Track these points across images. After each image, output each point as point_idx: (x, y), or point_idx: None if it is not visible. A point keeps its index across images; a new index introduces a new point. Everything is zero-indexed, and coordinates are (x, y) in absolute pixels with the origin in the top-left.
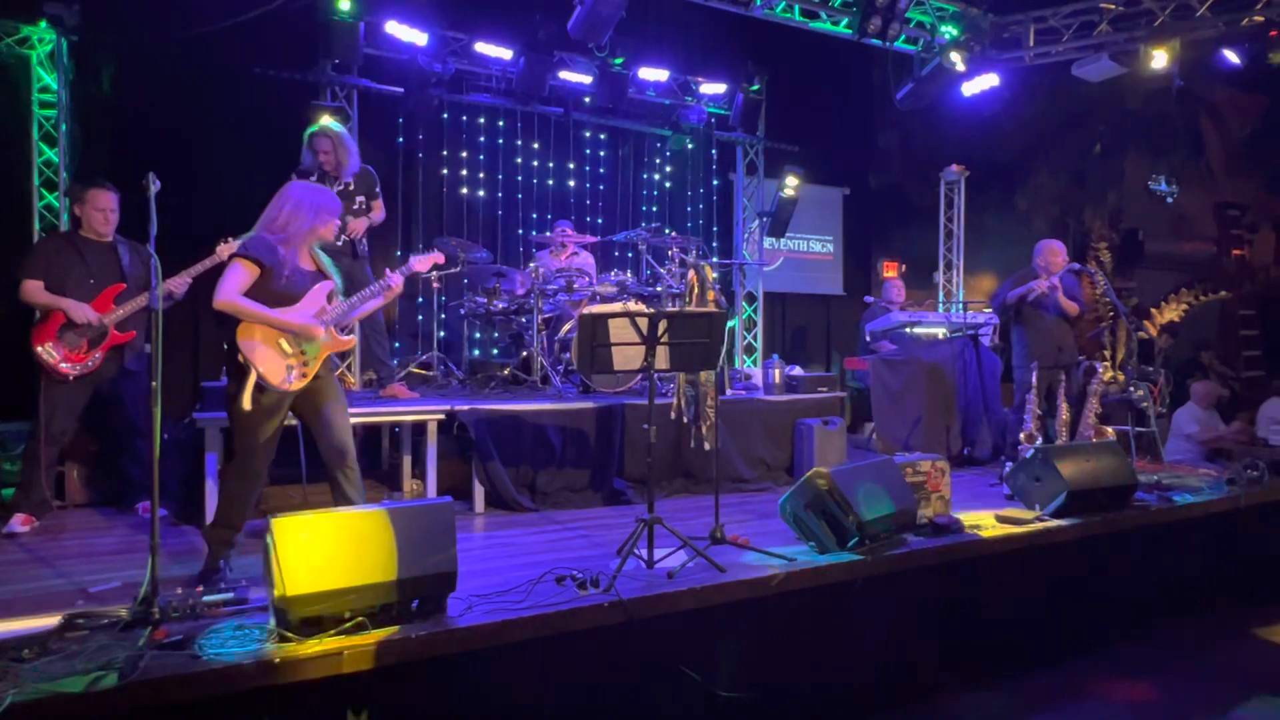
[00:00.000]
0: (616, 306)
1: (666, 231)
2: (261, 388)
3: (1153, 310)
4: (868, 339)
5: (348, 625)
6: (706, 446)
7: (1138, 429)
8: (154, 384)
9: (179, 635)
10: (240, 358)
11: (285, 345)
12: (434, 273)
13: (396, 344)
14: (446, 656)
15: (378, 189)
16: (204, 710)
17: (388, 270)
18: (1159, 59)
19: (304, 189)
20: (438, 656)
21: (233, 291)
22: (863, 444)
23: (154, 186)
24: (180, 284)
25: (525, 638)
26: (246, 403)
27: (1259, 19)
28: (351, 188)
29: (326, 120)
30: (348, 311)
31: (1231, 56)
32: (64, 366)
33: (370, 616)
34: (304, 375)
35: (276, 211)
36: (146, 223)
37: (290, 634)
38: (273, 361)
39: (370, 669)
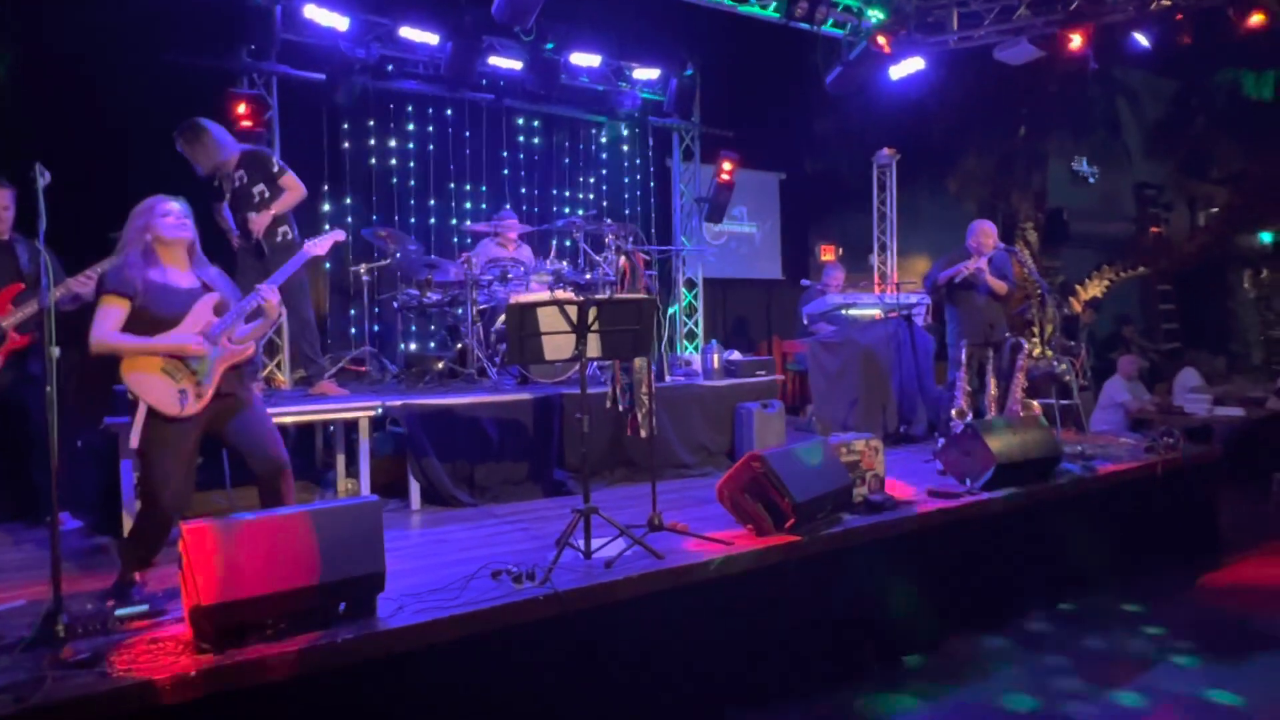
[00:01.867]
0: (544, 295)
1: (604, 220)
2: (157, 416)
3: (1077, 287)
4: (805, 322)
5: (269, 633)
6: (643, 434)
7: (1062, 402)
8: (49, 389)
9: (87, 653)
10: (130, 395)
11: (171, 370)
12: (363, 265)
13: (329, 340)
14: (377, 659)
15: (275, 169)
16: None
17: (258, 286)
18: (1075, 42)
19: (135, 210)
20: (368, 659)
21: (104, 331)
22: (803, 426)
23: (42, 179)
24: (85, 283)
25: (459, 635)
26: (134, 440)
27: (1167, 3)
28: (245, 180)
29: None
30: (236, 319)
31: (1142, 40)
32: None
33: (293, 622)
34: (200, 396)
35: (124, 238)
36: (36, 217)
37: (206, 645)
38: (161, 389)
39: (295, 676)
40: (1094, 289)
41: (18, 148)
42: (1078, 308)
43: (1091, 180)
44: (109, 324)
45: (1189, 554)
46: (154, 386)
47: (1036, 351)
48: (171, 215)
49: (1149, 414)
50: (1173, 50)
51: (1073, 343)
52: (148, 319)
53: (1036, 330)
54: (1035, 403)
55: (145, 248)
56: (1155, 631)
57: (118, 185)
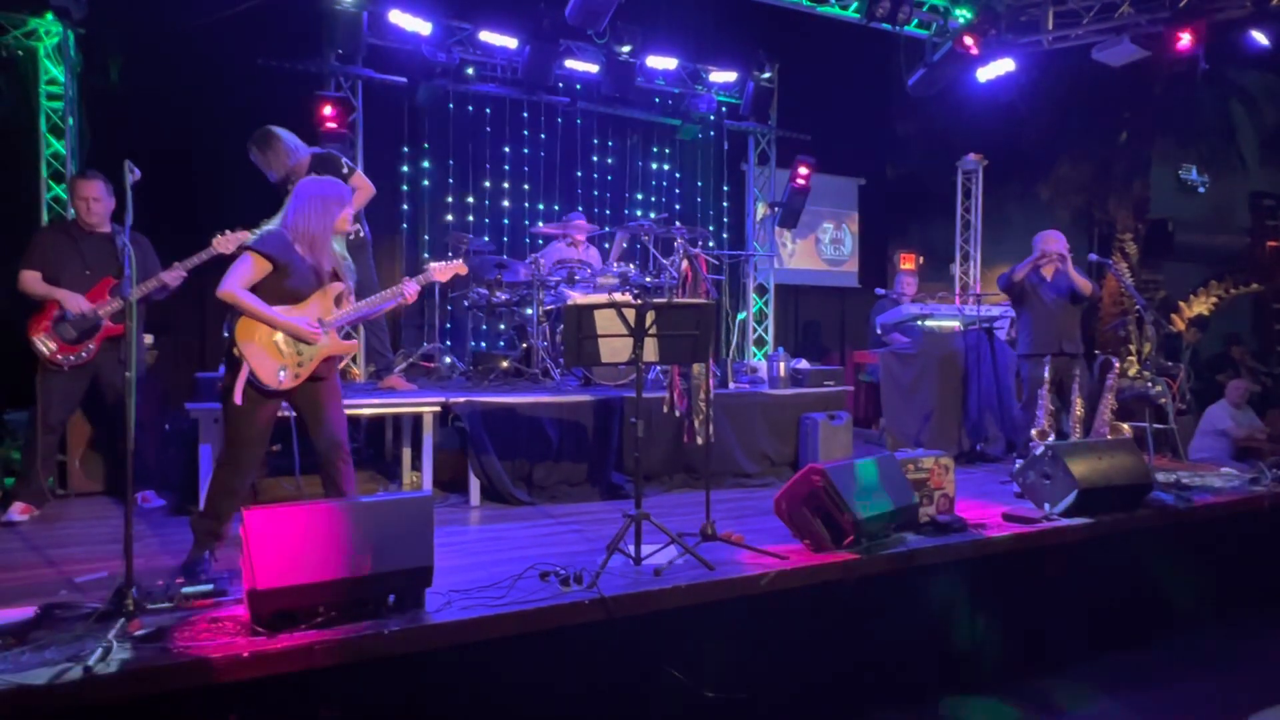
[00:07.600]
0: (602, 298)
1: (674, 223)
2: (252, 384)
3: (1181, 303)
4: (879, 332)
5: (319, 620)
6: (699, 441)
7: (1156, 425)
8: (129, 374)
9: (152, 627)
10: (235, 351)
11: (282, 345)
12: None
13: (401, 335)
14: (422, 652)
15: (345, 170)
16: (172, 704)
17: (405, 278)
18: (1183, 41)
19: (311, 185)
20: (413, 652)
21: (235, 284)
22: (873, 440)
23: (132, 175)
24: (175, 276)
25: (503, 634)
26: (238, 397)
27: None
28: None
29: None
30: (354, 316)
31: (1260, 38)
32: (58, 357)
33: (343, 611)
34: (297, 376)
35: (290, 210)
36: (137, 212)
37: (261, 628)
38: (267, 360)
39: (343, 664)
40: (1199, 306)
41: (124, 146)
42: (1180, 325)
43: (1201, 189)
44: (242, 278)
45: None
46: (262, 355)
47: (1131, 371)
48: (349, 211)
49: (1257, 443)
50: None
51: (1171, 363)
52: (280, 289)
53: (1133, 348)
54: (1125, 425)
55: (305, 234)
56: (1254, 681)
57: (212, 182)
